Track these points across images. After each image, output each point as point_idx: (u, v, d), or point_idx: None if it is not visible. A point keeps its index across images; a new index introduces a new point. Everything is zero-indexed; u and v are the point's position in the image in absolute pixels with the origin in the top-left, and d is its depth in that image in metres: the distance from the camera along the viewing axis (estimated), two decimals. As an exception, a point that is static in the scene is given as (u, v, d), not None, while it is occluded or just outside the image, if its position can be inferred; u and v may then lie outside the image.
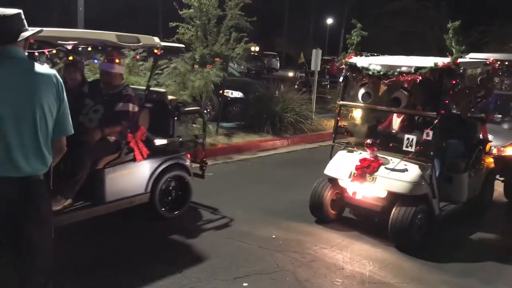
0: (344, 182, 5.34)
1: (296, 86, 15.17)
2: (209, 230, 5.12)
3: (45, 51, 9.16)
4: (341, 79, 5.70)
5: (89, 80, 5.81)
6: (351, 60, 5.46)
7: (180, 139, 5.54)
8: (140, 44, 4.92)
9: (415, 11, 25.20)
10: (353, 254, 4.77)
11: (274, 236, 5.06)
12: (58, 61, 8.34)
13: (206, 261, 4.37)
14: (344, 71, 5.56)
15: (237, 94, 12.05)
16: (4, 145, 2.41)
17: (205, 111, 10.59)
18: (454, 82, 5.00)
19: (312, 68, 12.63)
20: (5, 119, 2.39)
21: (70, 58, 5.19)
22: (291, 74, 24.69)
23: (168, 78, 8.48)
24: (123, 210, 4.86)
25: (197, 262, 4.34)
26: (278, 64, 38.33)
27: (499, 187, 6.90)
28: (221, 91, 10.35)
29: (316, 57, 12.18)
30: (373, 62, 5.28)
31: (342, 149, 5.66)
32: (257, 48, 36.90)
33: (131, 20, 30.17)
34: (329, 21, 40.02)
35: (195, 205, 5.95)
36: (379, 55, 5.83)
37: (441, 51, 5.32)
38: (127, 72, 8.18)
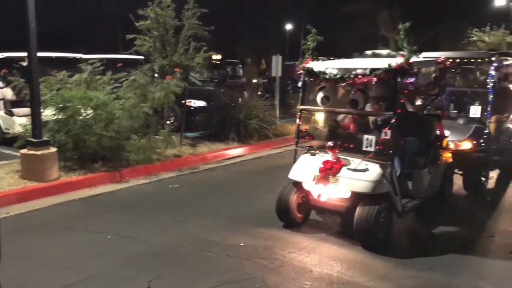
0: (309, 185, 5.39)
1: (259, 93, 15.25)
2: (176, 243, 5.06)
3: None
4: (299, 84, 5.77)
5: None
6: (308, 65, 5.54)
7: None
8: None
9: (370, 14, 25.83)
10: (321, 256, 4.82)
11: (242, 244, 5.06)
12: (12, 79, 8.15)
13: (173, 275, 4.32)
14: (302, 76, 5.64)
15: (200, 103, 12.01)
16: None
17: (167, 122, 10.53)
18: (408, 81, 5.14)
19: (273, 74, 12.73)
20: None
21: None
22: (254, 80, 24.78)
23: (128, 90, 8.38)
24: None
25: (164, 277, 4.29)
26: (242, 71, 38.38)
27: (458, 180, 7.11)
28: (183, 101, 10.30)
29: (277, 63, 12.29)
30: (330, 66, 5.37)
31: (305, 153, 5.72)
32: (219, 56, 37.00)
33: (89, 33, 29.73)
34: (289, 26, 40.50)
35: (160, 218, 5.88)
36: (335, 59, 5.94)
37: (398, 52, 5.46)
38: (85, 87, 8.05)
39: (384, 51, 6.08)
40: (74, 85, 8.03)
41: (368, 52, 6.21)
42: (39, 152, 6.89)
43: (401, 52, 5.30)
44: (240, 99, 11.45)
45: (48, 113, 7.72)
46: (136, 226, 5.58)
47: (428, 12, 27.24)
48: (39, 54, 6.97)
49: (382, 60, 5.44)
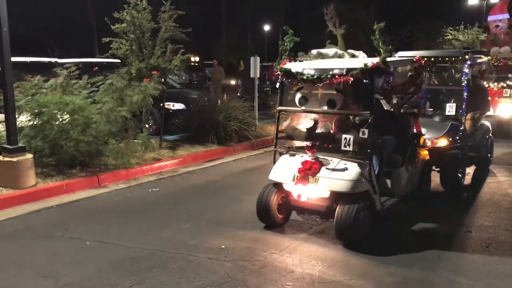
0: (288, 185, 5.41)
1: (238, 94, 15.26)
2: (156, 247, 5.01)
3: None
4: (277, 85, 5.79)
5: None
6: (285, 66, 5.56)
7: None
8: None
9: (345, 14, 26.05)
10: (302, 256, 4.84)
11: (223, 247, 5.04)
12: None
13: (154, 280, 4.28)
14: (280, 77, 5.65)
15: (179, 105, 11.94)
16: None
17: (146, 125, 10.46)
18: (384, 80, 5.21)
19: (252, 75, 12.73)
20: None
21: None
22: (233, 82, 24.80)
23: (105, 94, 8.27)
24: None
25: (146, 282, 4.25)
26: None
27: (435, 177, 7.22)
28: (161, 104, 10.23)
29: (255, 64, 12.30)
30: (307, 67, 5.40)
31: (285, 154, 5.73)
32: (197, 58, 36.92)
33: (65, 37, 29.34)
34: (266, 27, 40.63)
35: (141, 222, 5.83)
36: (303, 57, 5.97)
37: (373, 52, 5.52)
38: (61, 92, 7.93)
39: (331, 50, 6.09)
40: (49, 90, 7.91)
41: (313, 51, 6.25)
42: (14, 159, 6.76)
43: (351, 51, 5.39)
44: (219, 101, 11.43)
45: (23, 119, 7.59)
46: (116, 231, 5.52)
47: (403, 11, 27.63)
48: (13, 58, 6.85)
49: (358, 60, 5.49)
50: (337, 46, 11.09)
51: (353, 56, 6.89)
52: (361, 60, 5.43)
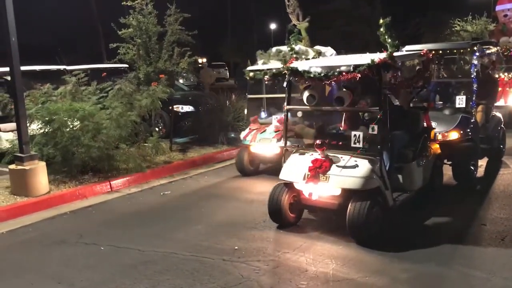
0: (299, 184, 5.40)
1: (247, 94, 15.23)
2: (170, 250, 5.04)
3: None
4: (285, 84, 5.79)
5: None
6: (292, 65, 5.55)
7: None
8: None
9: (351, 11, 25.97)
10: (316, 254, 4.83)
11: (236, 247, 5.05)
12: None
13: (169, 282, 4.30)
14: (287, 76, 5.65)
15: (188, 108, 11.99)
16: None
17: (156, 129, 10.51)
18: (392, 75, 5.18)
19: (260, 74, 12.69)
20: None
21: None
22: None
23: (114, 100, 8.32)
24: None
25: (160, 285, 4.27)
26: (228, 73, 38.49)
27: (448, 171, 7.16)
28: (170, 107, 10.28)
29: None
30: (314, 65, 5.39)
31: (294, 153, 5.72)
32: (204, 60, 37.00)
33: (73, 44, 29.59)
34: (273, 26, 40.57)
35: (154, 226, 5.86)
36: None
37: (379, 47, 5.48)
38: (71, 99, 8.00)
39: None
40: (59, 97, 7.99)
41: (273, 49, 6.12)
42: (27, 167, 6.84)
43: (317, 47, 5.36)
44: (227, 102, 11.44)
45: (34, 127, 7.67)
46: (130, 235, 5.56)
47: (410, 4, 27.43)
48: (22, 67, 6.93)
49: (365, 56, 5.47)
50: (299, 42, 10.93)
51: (319, 52, 6.71)
52: (368, 56, 5.39)
